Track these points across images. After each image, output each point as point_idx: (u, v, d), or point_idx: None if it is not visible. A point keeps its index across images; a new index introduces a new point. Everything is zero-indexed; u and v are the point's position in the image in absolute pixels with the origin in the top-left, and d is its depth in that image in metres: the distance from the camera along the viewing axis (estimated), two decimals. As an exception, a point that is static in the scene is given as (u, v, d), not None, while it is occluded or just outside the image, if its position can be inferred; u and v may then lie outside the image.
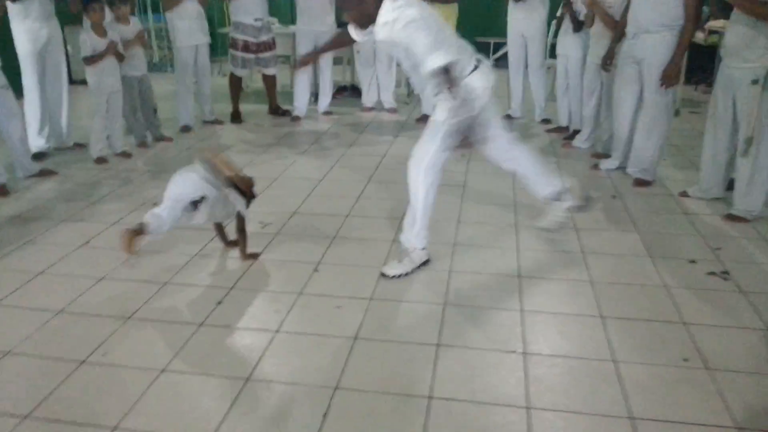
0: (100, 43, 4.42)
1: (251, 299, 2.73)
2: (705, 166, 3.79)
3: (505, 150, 3.07)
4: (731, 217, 3.52)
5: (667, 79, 3.79)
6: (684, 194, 3.90)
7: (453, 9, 5.49)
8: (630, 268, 2.98)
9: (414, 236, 2.94)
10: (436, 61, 2.52)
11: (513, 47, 5.67)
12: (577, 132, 5.01)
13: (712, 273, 2.92)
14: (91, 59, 4.41)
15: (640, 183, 4.08)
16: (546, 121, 5.69)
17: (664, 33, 3.75)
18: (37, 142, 4.68)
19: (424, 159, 2.84)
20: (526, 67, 5.66)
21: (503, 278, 2.90)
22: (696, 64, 7.55)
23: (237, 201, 2.92)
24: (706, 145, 3.76)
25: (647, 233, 3.38)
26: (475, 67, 2.77)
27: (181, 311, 2.64)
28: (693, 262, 3.04)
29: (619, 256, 3.11)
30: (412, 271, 2.93)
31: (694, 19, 3.71)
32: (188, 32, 5.35)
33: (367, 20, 2.76)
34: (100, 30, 4.43)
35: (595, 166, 4.43)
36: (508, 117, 5.92)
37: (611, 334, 2.43)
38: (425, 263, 2.99)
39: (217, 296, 2.74)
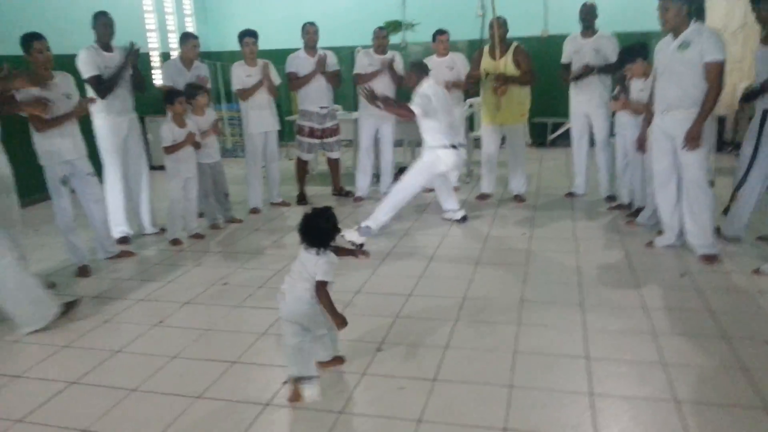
0: (180, 134, 4.75)
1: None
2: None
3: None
4: (811, 295, 3.36)
5: (690, 141, 3.85)
6: (757, 271, 3.75)
7: (526, 92, 5.65)
8: (705, 349, 2.87)
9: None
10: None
11: (576, 126, 5.73)
12: (640, 209, 4.94)
13: (794, 355, 2.78)
14: (171, 148, 4.73)
15: (707, 258, 3.98)
16: (610, 198, 5.65)
17: (693, 110, 3.85)
18: (120, 228, 4.96)
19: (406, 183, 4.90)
20: (591, 145, 5.71)
21: (570, 359, 2.83)
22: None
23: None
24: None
25: (720, 312, 3.25)
26: (452, 147, 4.73)
27: (248, 390, 2.69)
28: (772, 342, 2.90)
29: (692, 336, 3.00)
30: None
31: (717, 86, 3.77)
32: (259, 120, 5.69)
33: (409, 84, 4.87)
34: (180, 121, 4.78)
35: (650, 243, 4.34)
36: (571, 194, 5.91)
37: (688, 420, 2.33)
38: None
39: (282, 376, 2.78)
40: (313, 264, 2.54)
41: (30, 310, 3.37)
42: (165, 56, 8.90)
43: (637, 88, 4.58)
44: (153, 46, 8.60)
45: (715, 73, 3.75)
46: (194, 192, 4.97)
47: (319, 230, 2.55)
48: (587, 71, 5.41)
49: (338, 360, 2.87)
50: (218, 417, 2.51)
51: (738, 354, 2.80)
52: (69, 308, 3.56)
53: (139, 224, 5.16)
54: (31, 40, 3.93)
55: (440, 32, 5.93)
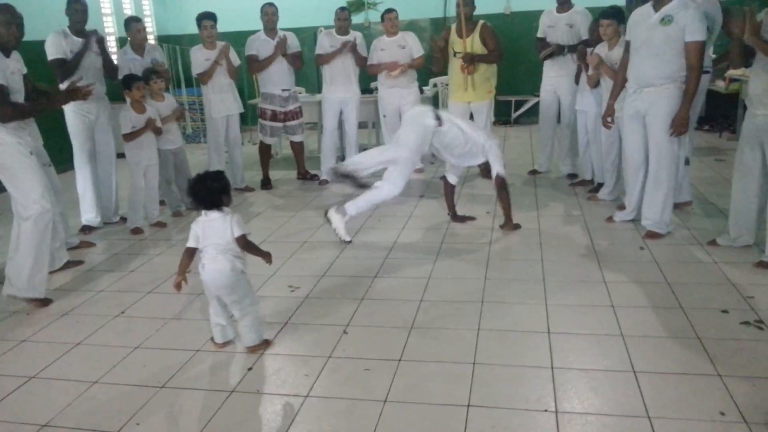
0: (139, 120, 4.65)
1: (281, 364, 2.77)
2: (734, 214, 3.76)
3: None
4: (763, 264, 3.46)
5: (676, 128, 3.80)
6: (713, 243, 3.85)
7: (493, 70, 5.65)
8: (661, 320, 2.94)
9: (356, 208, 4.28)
10: None
11: (545, 101, 5.76)
12: (601, 185, 5.02)
13: (746, 323, 2.87)
14: (131, 135, 4.63)
15: (652, 235, 4.03)
16: (572, 175, 5.73)
17: (668, 85, 3.80)
18: (87, 216, 4.87)
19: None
20: (557, 122, 5.76)
21: (532, 335, 2.88)
22: (719, 112, 7.57)
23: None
24: (734, 193, 3.74)
25: (677, 284, 3.34)
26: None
27: (213, 378, 2.68)
28: (725, 312, 2.99)
29: (649, 309, 3.08)
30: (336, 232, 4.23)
31: (698, 68, 3.72)
32: (220, 104, 5.61)
33: None
34: (139, 107, 4.67)
35: (610, 218, 4.42)
36: (534, 172, 5.97)
37: (645, 389, 2.39)
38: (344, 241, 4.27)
39: (248, 362, 2.78)
40: (228, 223, 2.72)
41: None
42: (122, 41, 8.68)
43: (612, 61, 4.46)
44: (109, 31, 8.37)
45: (695, 54, 3.68)
46: (155, 180, 4.88)
47: (210, 189, 2.73)
48: (559, 51, 5.42)
49: (266, 343, 2.91)
50: (183, 406, 2.49)
51: (693, 324, 2.89)
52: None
53: (103, 213, 5.04)
54: None
55: (388, 11, 5.86)
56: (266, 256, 2.90)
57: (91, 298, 3.62)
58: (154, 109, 4.81)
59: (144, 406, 2.49)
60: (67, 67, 4.55)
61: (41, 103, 3.84)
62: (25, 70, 3.77)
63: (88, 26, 4.74)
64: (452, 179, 4.59)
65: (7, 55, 3.56)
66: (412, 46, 5.83)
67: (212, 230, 2.75)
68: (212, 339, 2.95)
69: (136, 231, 4.77)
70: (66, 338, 3.11)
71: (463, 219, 4.62)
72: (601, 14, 4.57)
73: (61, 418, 2.44)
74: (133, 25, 5.21)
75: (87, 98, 4.15)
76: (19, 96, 3.61)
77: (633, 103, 4.00)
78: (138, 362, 2.85)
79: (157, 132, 4.80)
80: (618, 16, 4.48)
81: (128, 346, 2.99)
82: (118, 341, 3.05)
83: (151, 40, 9.03)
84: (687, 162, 4.29)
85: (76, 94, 3.93)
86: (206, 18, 5.49)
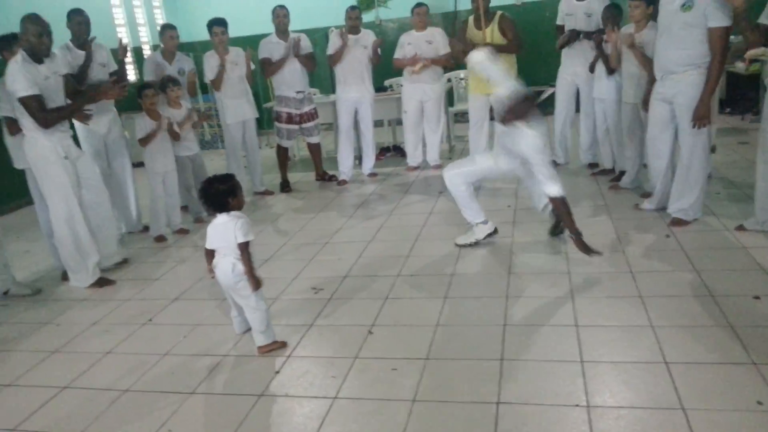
0: (154, 126, 4.69)
1: (308, 366, 2.77)
2: (759, 197, 3.68)
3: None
4: (794, 248, 3.39)
5: (698, 120, 3.70)
6: (740, 228, 3.78)
7: (512, 60, 5.60)
8: (691, 309, 2.89)
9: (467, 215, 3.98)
10: None
11: (561, 90, 5.67)
12: (623, 173, 4.96)
13: (779, 308, 2.81)
14: (145, 139, 4.67)
15: (678, 222, 3.96)
16: (592, 165, 5.66)
17: (691, 72, 3.71)
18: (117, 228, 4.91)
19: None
20: (576, 112, 5.69)
21: (561, 329, 2.85)
22: (740, 94, 7.43)
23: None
24: (758, 175, 3.66)
25: (706, 271, 3.28)
26: None
27: (241, 383, 2.69)
28: (757, 298, 2.93)
29: (679, 297, 3.03)
30: (478, 243, 3.96)
31: (722, 54, 3.61)
32: (236, 109, 5.63)
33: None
34: (154, 114, 4.70)
35: (636, 206, 4.35)
36: (554, 163, 5.89)
37: (678, 381, 2.35)
38: (492, 234, 3.98)
39: (275, 365, 2.79)
40: (232, 228, 2.76)
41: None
42: (136, 51, 8.75)
43: (643, 42, 4.29)
44: (124, 41, 8.45)
45: (719, 41, 3.55)
46: (174, 186, 4.92)
47: (217, 192, 2.80)
48: (574, 36, 5.34)
49: (276, 344, 2.94)
50: (213, 411, 2.50)
51: (724, 311, 2.83)
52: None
53: (126, 222, 5.10)
54: (12, 39, 3.92)
55: (418, 5, 5.85)
56: (253, 280, 2.82)
57: (118, 307, 3.65)
58: (171, 117, 4.84)
59: (175, 413, 2.50)
60: (74, 81, 4.56)
61: (77, 102, 3.98)
62: (64, 71, 3.96)
63: (103, 38, 4.77)
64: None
65: (39, 61, 3.70)
66: (439, 42, 5.81)
67: (218, 233, 2.83)
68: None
69: (160, 239, 4.81)
70: (96, 348, 3.15)
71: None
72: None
73: (96, 426, 2.47)
74: (166, 31, 5.31)
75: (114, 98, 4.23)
76: (58, 98, 3.84)
77: (659, 89, 3.93)
78: (167, 369, 2.87)
79: (175, 137, 4.83)
80: None
81: (157, 353, 3.01)
82: (147, 349, 3.08)
83: (146, 48, 9.06)
84: (713, 150, 4.18)
85: (107, 91, 4.05)
86: (216, 24, 5.51)
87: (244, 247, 2.80)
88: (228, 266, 2.82)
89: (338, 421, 2.35)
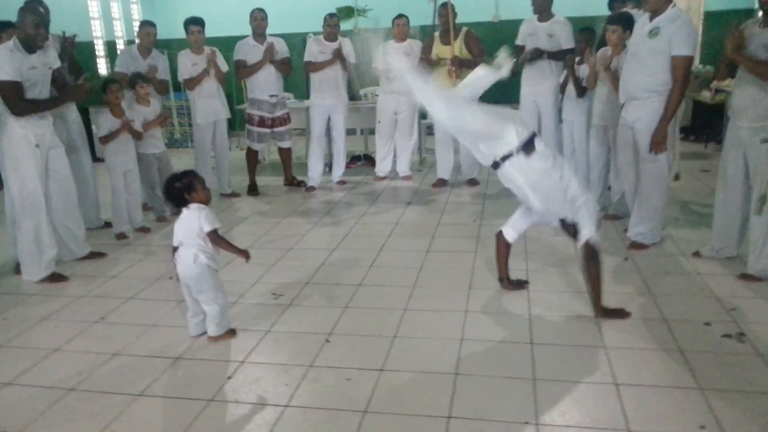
0: (116, 123, 4.61)
1: (262, 373, 2.73)
2: (717, 226, 3.77)
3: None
4: (746, 277, 3.47)
5: (655, 145, 3.77)
6: (697, 254, 3.86)
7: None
8: (644, 332, 2.94)
9: None
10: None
11: (525, 113, 5.74)
12: (587, 195, 5.02)
13: (728, 335, 2.86)
14: (106, 138, 4.59)
15: (637, 246, 4.02)
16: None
17: (653, 99, 3.77)
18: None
19: None
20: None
21: (515, 345, 2.87)
22: (704, 121, 7.64)
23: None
24: (717, 204, 3.75)
25: (660, 295, 3.34)
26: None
27: (192, 386, 2.64)
28: (708, 324, 2.99)
29: (632, 320, 3.07)
30: None
31: (683, 83, 3.68)
32: (207, 109, 5.57)
33: None
34: (117, 111, 4.62)
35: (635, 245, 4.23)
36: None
37: (626, 402, 2.38)
38: None
39: (228, 370, 2.75)
40: (195, 220, 2.86)
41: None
42: (109, 44, 8.63)
43: (606, 56, 4.40)
44: (97, 35, 8.32)
45: (681, 69, 3.62)
46: (136, 184, 4.84)
47: (173, 190, 2.91)
48: (537, 55, 5.41)
49: (228, 333, 3.04)
50: (160, 414, 2.45)
51: (675, 336, 2.88)
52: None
53: (86, 218, 4.98)
54: (5, 27, 3.93)
55: (399, 16, 5.89)
56: (241, 253, 2.98)
57: (69, 303, 3.57)
58: (139, 114, 4.77)
59: (121, 414, 2.44)
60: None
61: (55, 99, 3.99)
62: (56, 65, 3.98)
63: (78, 31, 4.69)
64: (510, 236, 3.43)
65: (32, 51, 3.73)
66: (417, 55, 5.83)
67: (183, 226, 2.91)
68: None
69: (120, 236, 4.72)
70: (44, 344, 3.06)
71: (519, 284, 3.51)
72: (608, 19, 4.55)
73: (36, 425, 2.39)
74: (144, 28, 5.29)
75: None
76: (40, 89, 3.83)
77: (623, 115, 3.99)
78: (116, 369, 2.80)
79: (136, 136, 4.75)
80: (625, 22, 4.26)
81: (107, 353, 2.94)
82: (97, 348, 3.01)
83: (120, 43, 8.95)
84: (676, 177, 4.25)
85: (82, 89, 4.10)
86: (192, 23, 5.47)
87: (213, 236, 2.89)
88: (190, 257, 2.87)
89: (288, 429, 2.32)
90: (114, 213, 4.78)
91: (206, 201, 2.95)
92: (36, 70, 3.76)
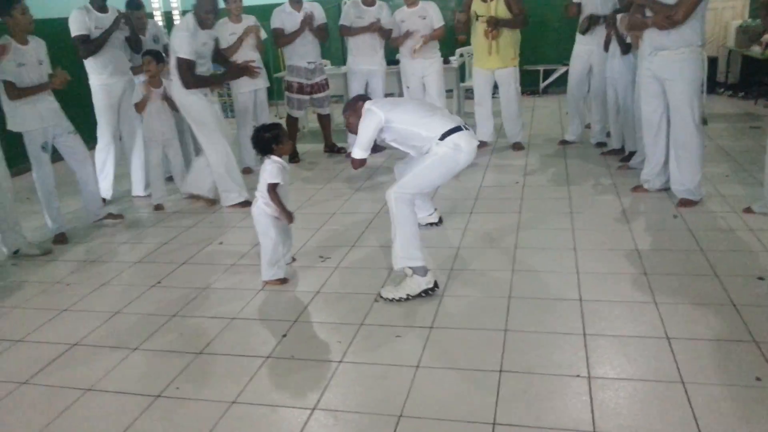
0: (150, 93, 4.67)
1: (315, 332, 2.81)
2: (769, 181, 3.68)
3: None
4: (801, 231, 3.39)
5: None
6: (748, 210, 3.78)
7: (518, 36, 5.57)
8: (695, 287, 2.91)
9: (399, 257, 3.04)
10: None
11: (575, 69, 5.65)
12: (633, 153, 4.94)
13: (783, 289, 2.83)
14: (138, 105, 4.67)
15: (686, 203, 3.97)
16: (600, 144, 5.65)
17: (683, 50, 3.74)
18: (106, 190, 4.99)
19: (396, 186, 3.11)
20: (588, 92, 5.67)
21: (564, 302, 2.88)
22: (754, 78, 7.36)
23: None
24: None
25: (711, 251, 3.29)
26: (458, 128, 3.11)
27: (249, 345, 2.74)
28: (762, 278, 2.94)
29: (684, 276, 3.05)
30: (409, 298, 3.01)
31: (682, 14, 3.61)
32: (247, 78, 5.60)
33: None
34: (155, 81, 4.69)
35: (638, 188, 4.34)
36: (564, 142, 5.89)
37: (679, 355, 2.38)
38: (428, 291, 3.01)
39: (282, 329, 2.83)
40: (265, 171, 3.16)
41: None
42: (167, 15, 8.74)
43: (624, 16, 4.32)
44: (155, 6, 8.46)
45: (685, 2, 3.60)
46: (178, 156, 4.91)
47: (261, 139, 3.21)
48: (594, 21, 5.28)
49: (279, 281, 3.30)
50: (220, 371, 2.55)
51: (728, 291, 2.85)
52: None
53: (130, 186, 5.16)
54: (13, 2, 3.86)
55: None
56: (286, 214, 3.19)
57: (125, 269, 3.70)
58: (169, 83, 4.78)
59: (183, 371, 2.56)
60: (92, 43, 4.63)
61: (220, 75, 4.84)
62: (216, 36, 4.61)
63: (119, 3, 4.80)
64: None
65: (204, 28, 4.34)
66: (433, 17, 5.73)
67: (262, 175, 3.20)
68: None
69: (158, 207, 4.82)
70: (105, 307, 3.20)
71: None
72: None
73: (106, 382, 2.53)
74: (133, 12, 5.23)
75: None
76: (206, 61, 4.51)
77: (649, 66, 3.93)
78: (174, 330, 2.92)
79: (173, 106, 4.69)
80: None
81: (166, 315, 3.06)
82: (156, 310, 3.13)
83: (158, 16, 9.00)
84: (705, 122, 4.15)
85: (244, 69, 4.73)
86: None
87: (271, 188, 3.14)
88: (256, 202, 3.22)
89: (343, 384, 2.39)
90: (151, 184, 4.89)
91: (288, 153, 3.30)
92: (206, 46, 4.43)
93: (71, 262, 3.90)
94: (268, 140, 3.20)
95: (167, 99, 4.68)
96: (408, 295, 3.00)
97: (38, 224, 4.61)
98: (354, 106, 3.38)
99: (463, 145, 3.06)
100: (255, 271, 3.43)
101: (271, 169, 3.15)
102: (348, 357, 2.57)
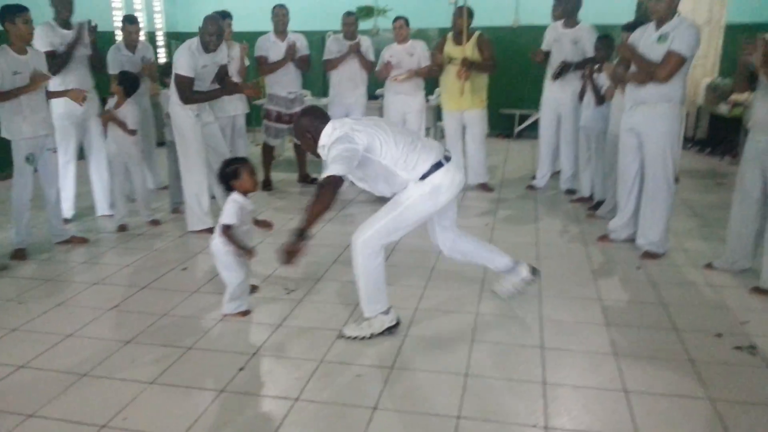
0: (119, 112, 4.60)
1: (273, 366, 2.76)
2: (731, 238, 3.76)
3: (452, 241, 3.25)
4: (758, 291, 3.45)
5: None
6: (709, 266, 3.85)
7: (485, 79, 5.67)
8: (655, 341, 2.94)
9: (363, 304, 2.98)
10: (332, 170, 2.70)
11: (546, 117, 5.77)
12: (601, 202, 5.03)
13: (739, 347, 2.86)
14: (102, 117, 4.63)
15: (650, 256, 4.03)
16: (570, 191, 5.73)
17: (662, 104, 3.82)
18: (67, 209, 4.88)
19: (366, 232, 2.91)
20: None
21: (525, 349, 2.88)
22: (721, 135, 7.59)
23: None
24: (733, 217, 3.74)
25: (672, 305, 3.33)
26: (439, 164, 2.86)
27: (204, 377, 2.67)
28: (719, 335, 2.98)
29: (644, 328, 3.08)
30: (372, 337, 2.96)
31: (664, 75, 3.70)
32: (227, 103, 5.59)
33: (313, 149, 2.97)
34: (120, 102, 4.60)
35: (604, 237, 4.41)
36: (531, 188, 5.97)
37: (635, 409, 2.39)
38: (391, 329, 2.99)
39: (240, 362, 2.77)
40: (224, 208, 3.13)
41: None
42: (150, 35, 8.72)
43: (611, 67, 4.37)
44: (118, 25, 8.38)
45: (669, 65, 3.68)
46: (138, 176, 4.81)
47: (222, 173, 3.20)
48: (566, 68, 5.42)
49: (241, 314, 3.24)
50: (172, 402, 2.48)
51: (686, 346, 2.88)
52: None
53: (92, 205, 5.07)
54: (17, 11, 3.89)
55: (395, 19, 5.86)
56: (245, 253, 3.16)
57: (83, 290, 3.61)
58: (133, 108, 4.72)
59: (132, 401, 2.48)
60: (58, 59, 4.56)
61: (215, 90, 4.65)
62: (223, 62, 4.64)
63: (100, 20, 4.77)
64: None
65: (208, 51, 4.44)
66: (421, 55, 5.83)
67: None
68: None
69: (121, 228, 4.72)
70: (57, 329, 3.10)
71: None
72: (623, 27, 4.60)
73: (49, 408, 2.43)
74: (126, 26, 5.30)
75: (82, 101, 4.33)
76: (206, 83, 4.56)
77: (629, 120, 4.02)
78: (128, 357, 2.84)
79: (126, 131, 4.60)
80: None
81: (119, 340, 2.98)
82: (110, 335, 3.04)
83: (160, 36, 9.06)
84: (676, 180, 4.25)
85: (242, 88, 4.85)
86: (226, 17, 5.51)
87: (225, 229, 3.09)
88: (215, 236, 3.16)
89: (298, 422, 2.34)
90: (116, 204, 4.79)
91: (251, 189, 3.20)
92: (207, 68, 4.47)
93: (27, 279, 3.79)
94: (227, 175, 3.17)
95: (119, 122, 4.57)
96: (371, 333, 2.96)
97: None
98: (305, 130, 2.93)
99: (445, 183, 2.86)
100: (217, 299, 3.37)
101: (228, 208, 3.11)
102: (305, 394, 2.52)
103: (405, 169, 2.83)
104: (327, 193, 2.69)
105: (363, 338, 2.95)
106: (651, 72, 3.77)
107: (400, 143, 2.86)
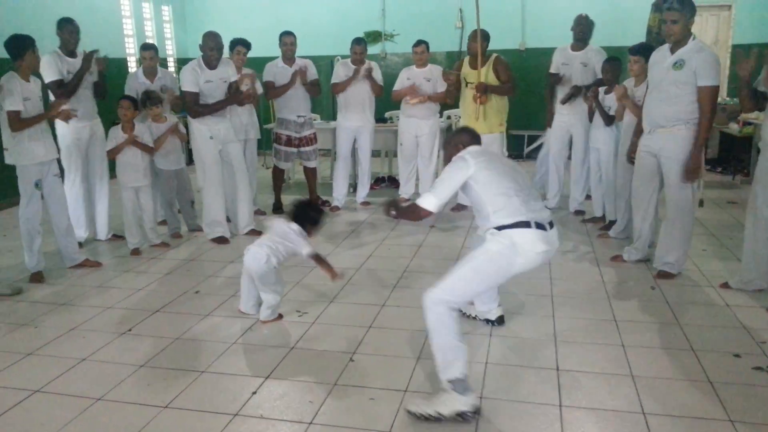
0: (122, 138, 4.67)
1: (286, 389, 2.75)
2: (746, 258, 3.73)
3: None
4: (776, 310, 3.42)
5: (689, 174, 3.77)
6: (725, 285, 3.81)
7: (505, 102, 5.69)
8: (672, 362, 2.90)
9: (438, 368, 2.54)
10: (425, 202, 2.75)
11: (556, 139, 5.78)
12: (613, 222, 5.01)
13: (759, 368, 2.82)
14: (111, 151, 4.68)
15: (664, 275, 4.00)
16: (579, 212, 5.71)
17: (679, 127, 3.78)
18: (77, 231, 4.89)
19: (435, 289, 2.60)
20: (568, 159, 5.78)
21: (542, 371, 2.85)
22: (732, 154, 7.58)
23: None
24: (746, 236, 3.71)
25: (688, 325, 3.30)
26: (526, 224, 2.59)
27: (217, 400, 2.66)
28: (737, 356, 2.94)
29: (660, 349, 3.04)
30: (440, 418, 2.45)
31: (710, 112, 3.69)
32: (239, 128, 5.63)
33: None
34: (126, 126, 4.68)
35: (617, 257, 4.38)
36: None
37: (654, 431, 2.35)
38: (466, 415, 2.45)
39: (253, 386, 2.76)
40: (293, 236, 3.38)
41: None
42: (161, 61, 8.86)
43: (636, 98, 4.44)
44: (130, 52, 8.53)
45: (708, 99, 3.66)
46: (148, 203, 4.86)
47: (307, 214, 3.48)
48: (577, 92, 5.44)
49: (279, 317, 3.50)
50: (186, 426, 2.47)
51: (704, 367, 2.84)
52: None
53: (93, 230, 5.10)
54: (32, 43, 4.04)
55: (417, 44, 5.93)
56: (332, 271, 3.43)
57: (97, 315, 3.62)
58: (145, 129, 4.81)
59: (146, 425, 2.47)
60: (68, 87, 4.60)
61: (220, 102, 4.87)
62: (232, 78, 4.97)
63: (111, 48, 4.83)
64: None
65: (211, 68, 4.78)
66: (437, 80, 5.88)
67: (281, 229, 3.42)
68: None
69: (135, 252, 4.76)
70: (72, 353, 3.11)
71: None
72: (629, 50, 4.60)
73: (63, 434, 2.43)
74: (143, 52, 5.35)
75: (68, 120, 4.44)
76: (214, 98, 4.86)
77: (646, 143, 3.99)
78: (143, 381, 2.83)
79: (147, 151, 4.76)
80: (646, 52, 4.29)
81: (134, 365, 2.98)
82: (124, 359, 3.04)
83: (171, 62, 9.20)
84: (701, 204, 4.24)
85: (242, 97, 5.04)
86: (240, 44, 5.59)
87: (316, 257, 3.43)
88: (263, 256, 3.31)
89: (312, 446, 2.32)
90: (126, 229, 4.82)
91: (311, 236, 3.49)
92: (211, 83, 4.77)
93: (42, 303, 3.80)
94: (312, 219, 3.48)
95: (141, 145, 4.70)
96: (438, 413, 2.44)
97: (13, 263, 4.53)
98: (453, 144, 2.95)
99: (524, 245, 2.57)
100: (230, 322, 3.37)
101: (304, 238, 3.41)
102: (319, 418, 2.51)
103: (492, 206, 2.65)
104: (411, 216, 2.89)
105: (428, 417, 2.45)
106: (708, 118, 3.71)
107: (504, 181, 2.69)
